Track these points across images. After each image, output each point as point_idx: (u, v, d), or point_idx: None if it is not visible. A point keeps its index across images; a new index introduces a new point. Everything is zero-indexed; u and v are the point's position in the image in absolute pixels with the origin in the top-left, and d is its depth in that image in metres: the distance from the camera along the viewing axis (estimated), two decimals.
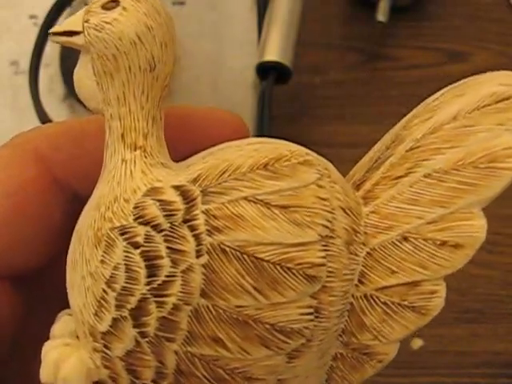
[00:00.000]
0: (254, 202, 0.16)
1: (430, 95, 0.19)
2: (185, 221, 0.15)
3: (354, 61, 0.43)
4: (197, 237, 0.15)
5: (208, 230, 0.15)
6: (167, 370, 0.16)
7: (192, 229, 0.15)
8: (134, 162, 0.17)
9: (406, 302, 0.17)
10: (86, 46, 0.17)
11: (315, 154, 0.17)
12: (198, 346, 0.16)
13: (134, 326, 0.16)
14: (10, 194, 0.18)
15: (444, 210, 0.17)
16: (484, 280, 0.36)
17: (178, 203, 0.16)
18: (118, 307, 0.16)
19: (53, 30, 0.18)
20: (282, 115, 0.40)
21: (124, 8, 0.17)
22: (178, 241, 0.15)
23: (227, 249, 0.15)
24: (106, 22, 0.16)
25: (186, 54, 0.39)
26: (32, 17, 0.42)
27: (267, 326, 0.16)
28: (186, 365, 0.16)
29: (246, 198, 0.16)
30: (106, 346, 0.16)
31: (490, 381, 0.34)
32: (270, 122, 0.38)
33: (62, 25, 0.18)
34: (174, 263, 0.15)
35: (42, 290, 0.20)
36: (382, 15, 0.41)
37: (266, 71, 0.39)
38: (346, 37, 0.44)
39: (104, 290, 0.16)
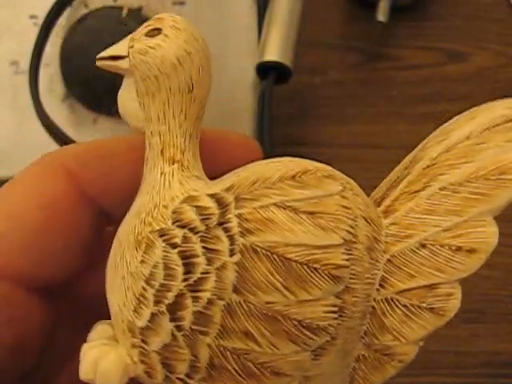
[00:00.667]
0: (283, 208, 0.17)
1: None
2: (219, 223, 0.17)
3: (354, 61, 0.43)
4: (230, 237, 0.17)
5: (241, 232, 0.17)
6: (200, 363, 0.17)
7: (226, 230, 0.17)
8: (172, 174, 0.18)
9: (424, 304, 0.18)
10: (130, 70, 0.19)
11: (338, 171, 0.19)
12: (229, 340, 0.17)
13: (171, 320, 0.17)
14: (42, 207, 0.19)
15: (458, 218, 0.18)
16: (484, 280, 0.36)
17: (213, 208, 0.17)
18: (157, 303, 0.17)
19: (99, 55, 0.19)
20: (282, 115, 0.40)
21: (166, 35, 0.18)
22: (212, 241, 0.17)
23: (258, 249, 0.17)
24: (150, 47, 0.18)
25: None
26: (32, 17, 0.42)
27: (295, 322, 0.17)
28: (218, 358, 0.17)
29: (275, 204, 0.17)
30: (143, 341, 0.17)
31: (490, 381, 0.34)
32: (270, 122, 0.38)
33: (108, 51, 0.19)
34: (209, 261, 0.17)
35: (69, 304, 0.20)
36: (382, 15, 0.41)
37: (266, 71, 0.39)
38: (346, 37, 0.44)
39: (143, 288, 0.17)
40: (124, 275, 0.18)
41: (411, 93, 0.41)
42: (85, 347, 0.18)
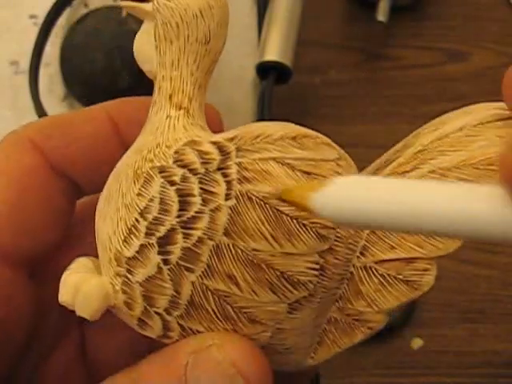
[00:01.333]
0: (282, 164, 0.18)
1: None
2: (219, 168, 0.17)
3: (354, 61, 0.43)
4: (228, 183, 0.17)
5: (238, 179, 0.17)
6: (181, 300, 0.18)
7: (224, 175, 0.17)
8: (178, 118, 0.19)
9: (401, 276, 0.19)
10: (152, 13, 0.19)
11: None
12: (213, 280, 0.17)
13: (159, 253, 0.17)
14: (13, 182, 0.19)
15: None
16: (484, 280, 0.36)
17: (215, 154, 0.17)
18: (148, 235, 0.17)
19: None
20: (282, 115, 0.40)
21: None
22: (210, 183, 0.17)
23: (253, 197, 0.17)
24: None
25: None
26: (32, 17, 0.42)
27: (277, 273, 0.17)
28: (199, 297, 0.17)
29: (274, 159, 0.18)
30: (128, 271, 0.18)
31: (490, 381, 0.34)
32: (270, 122, 0.37)
33: None
34: (205, 202, 0.17)
35: (53, 284, 0.20)
36: (382, 15, 0.41)
37: (266, 71, 0.39)
38: (346, 37, 0.44)
39: (136, 219, 0.17)
40: (118, 207, 0.18)
41: (411, 93, 0.41)
42: (65, 273, 0.18)
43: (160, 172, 0.18)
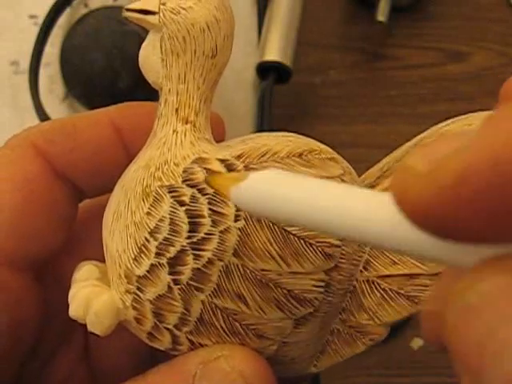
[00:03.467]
0: None
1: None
2: None
3: (354, 61, 0.43)
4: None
5: None
6: (191, 317, 0.18)
7: None
8: (185, 133, 0.19)
9: (402, 291, 0.19)
10: (158, 26, 0.19)
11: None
12: (222, 299, 0.18)
13: (170, 273, 0.17)
14: (17, 188, 0.19)
15: None
16: None
17: None
18: (158, 255, 0.17)
19: (128, 6, 0.19)
20: (282, 115, 0.40)
21: None
22: (219, 204, 0.17)
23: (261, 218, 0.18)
24: (182, 8, 0.18)
25: None
26: (32, 17, 0.41)
27: (284, 292, 0.18)
28: (208, 315, 0.18)
29: None
30: (139, 289, 0.18)
31: None
32: (270, 122, 0.38)
33: (137, 3, 0.19)
34: (214, 223, 0.17)
35: (58, 287, 0.21)
36: (381, 15, 0.41)
37: (266, 71, 0.38)
38: (346, 37, 0.44)
39: (146, 239, 0.18)
40: (127, 224, 0.18)
41: (411, 93, 0.41)
42: (74, 287, 0.18)
43: (169, 192, 0.18)
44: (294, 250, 0.18)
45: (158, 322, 0.18)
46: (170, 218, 0.17)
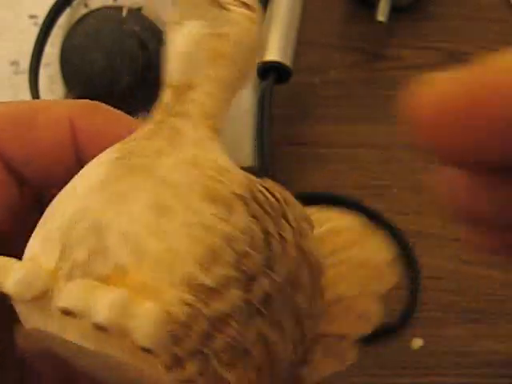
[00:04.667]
0: None
1: None
2: (283, 214, 0.17)
3: (354, 61, 0.43)
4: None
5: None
6: (239, 345, 0.15)
7: (285, 218, 0.17)
8: (217, 140, 0.17)
9: (331, 350, 0.20)
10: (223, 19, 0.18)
11: None
12: (270, 328, 0.16)
13: (244, 291, 0.15)
14: None
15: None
16: (484, 280, 0.36)
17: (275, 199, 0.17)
18: (235, 268, 0.15)
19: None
20: (282, 115, 0.40)
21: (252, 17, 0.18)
22: (280, 226, 0.16)
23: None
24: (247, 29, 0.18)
25: None
26: (32, 17, 0.41)
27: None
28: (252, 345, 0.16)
29: None
30: (204, 302, 0.14)
31: (490, 381, 0.34)
32: (270, 122, 0.38)
33: None
34: (283, 248, 0.16)
35: None
36: (381, 15, 0.41)
37: (266, 71, 0.38)
38: (346, 37, 0.44)
39: (221, 246, 0.15)
40: (191, 223, 0.15)
41: None
42: (98, 287, 0.14)
43: (242, 201, 0.16)
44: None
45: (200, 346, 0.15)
46: (248, 230, 0.15)
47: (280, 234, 0.16)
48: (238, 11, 0.18)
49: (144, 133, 0.17)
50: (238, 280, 0.15)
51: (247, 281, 0.15)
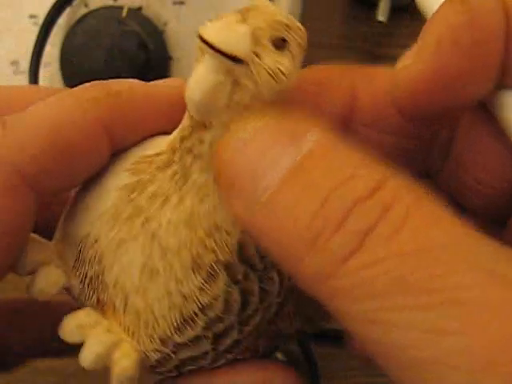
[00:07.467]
0: None
1: None
2: (274, 265, 0.17)
3: (354, 61, 0.43)
4: (281, 281, 0.17)
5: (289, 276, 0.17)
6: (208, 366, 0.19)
7: (279, 274, 0.17)
8: None
9: None
10: (241, 80, 0.15)
11: None
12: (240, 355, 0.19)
13: (212, 343, 0.17)
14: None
15: None
16: None
17: None
18: (205, 329, 0.17)
19: (205, 32, 0.14)
20: None
21: (293, 56, 0.15)
22: (267, 282, 0.17)
23: (294, 289, 0.18)
24: (282, 72, 0.14)
25: (185, 54, 0.39)
26: (32, 17, 0.41)
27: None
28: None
29: None
30: (173, 352, 0.17)
31: None
32: None
33: (218, 33, 0.14)
34: (261, 300, 0.17)
35: None
36: (381, 15, 0.41)
37: None
38: (346, 37, 0.44)
39: (195, 313, 0.17)
40: (170, 291, 0.16)
41: None
42: (90, 334, 0.17)
43: (225, 269, 0.16)
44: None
45: (175, 370, 0.18)
46: (224, 298, 0.16)
47: (265, 289, 0.17)
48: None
49: (163, 162, 0.17)
50: (206, 337, 0.17)
51: (217, 336, 0.17)
